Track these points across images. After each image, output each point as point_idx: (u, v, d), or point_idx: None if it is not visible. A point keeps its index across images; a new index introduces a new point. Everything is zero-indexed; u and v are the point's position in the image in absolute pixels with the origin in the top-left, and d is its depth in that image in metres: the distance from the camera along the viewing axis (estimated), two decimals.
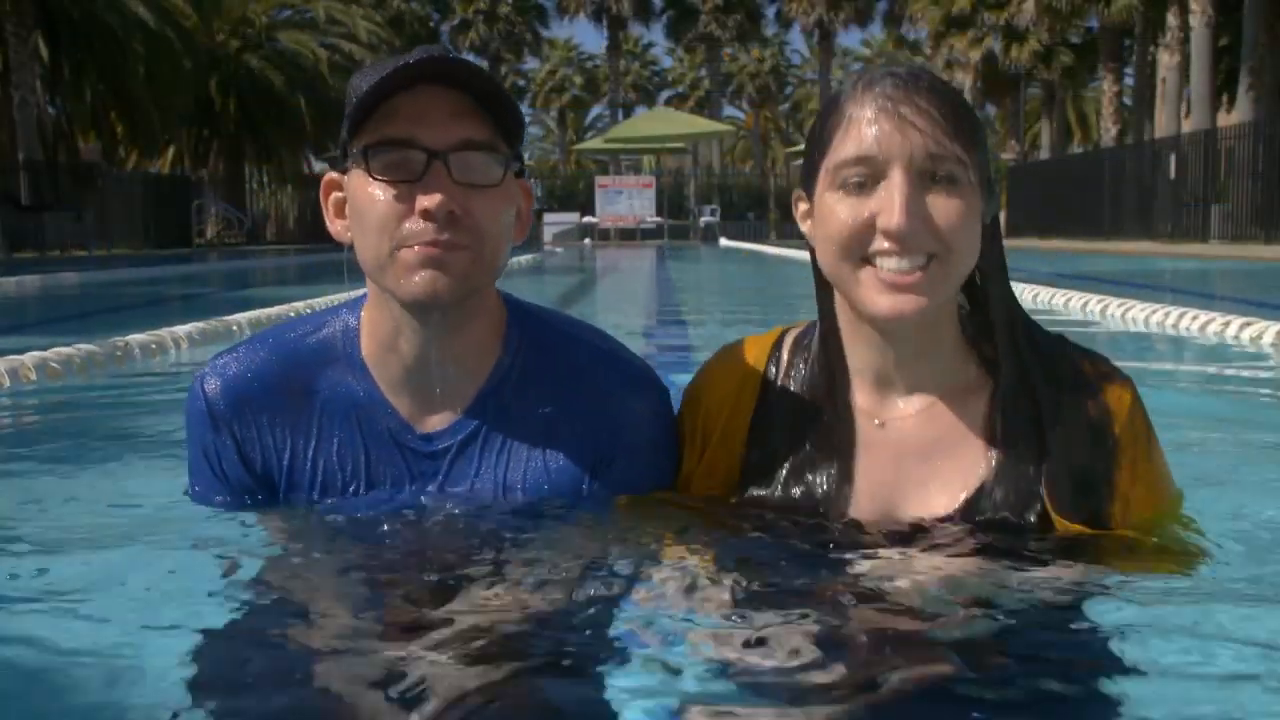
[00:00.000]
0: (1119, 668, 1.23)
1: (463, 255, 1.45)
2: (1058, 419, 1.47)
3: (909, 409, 1.53)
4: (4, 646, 1.38)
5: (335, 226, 1.58)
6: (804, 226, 1.53)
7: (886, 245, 1.39)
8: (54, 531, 1.92)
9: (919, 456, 1.52)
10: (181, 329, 5.07)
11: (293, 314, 6.52)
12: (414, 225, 1.43)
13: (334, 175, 1.57)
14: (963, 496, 1.49)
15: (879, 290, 1.41)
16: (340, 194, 1.56)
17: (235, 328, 5.67)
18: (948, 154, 1.38)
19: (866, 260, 1.41)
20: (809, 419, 1.57)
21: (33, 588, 1.62)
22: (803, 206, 1.53)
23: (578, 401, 1.61)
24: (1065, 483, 1.47)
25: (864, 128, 1.40)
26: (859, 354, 1.54)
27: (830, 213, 1.43)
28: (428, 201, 1.42)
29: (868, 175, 1.40)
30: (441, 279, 1.44)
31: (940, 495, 1.50)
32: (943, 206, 1.39)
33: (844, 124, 1.42)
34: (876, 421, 1.54)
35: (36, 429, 3.33)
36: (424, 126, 1.44)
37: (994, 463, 1.49)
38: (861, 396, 1.55)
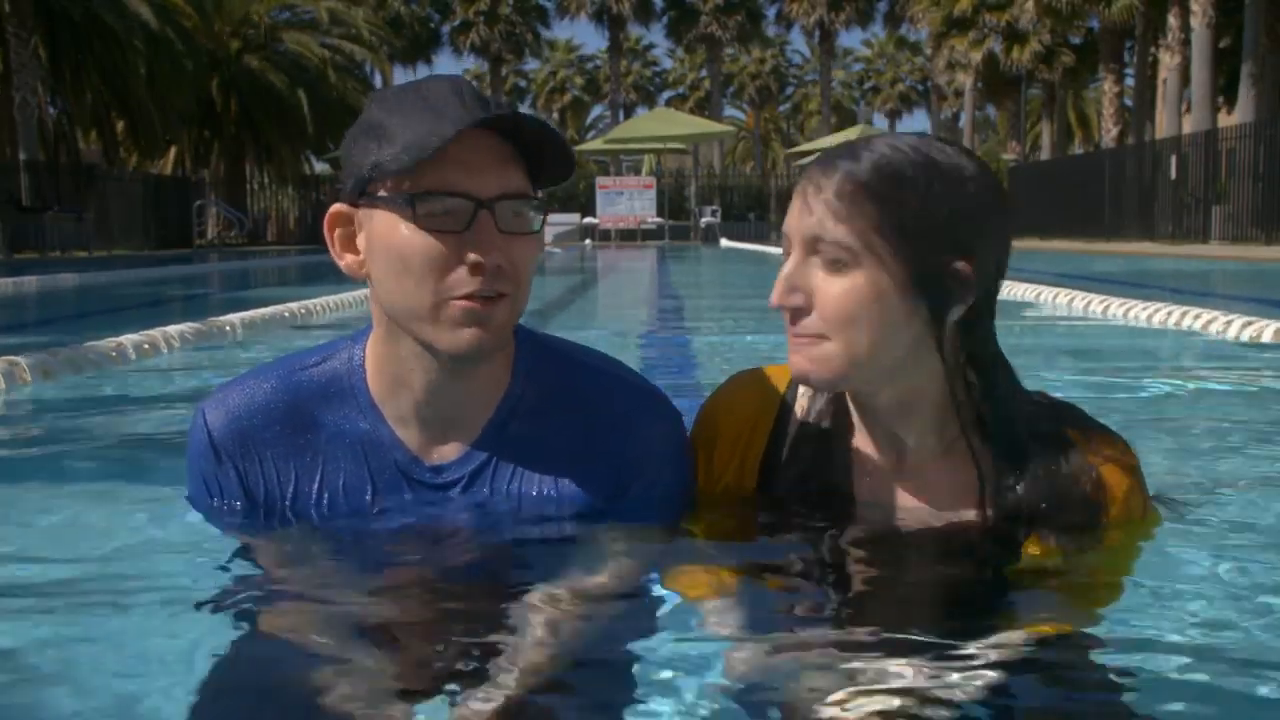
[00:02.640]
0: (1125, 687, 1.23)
1: (503, 305, 1.42)
2: (1050, 504, 1.48)
3: (904, 468, 1.55)
4: None
5: (345, 261, 1.49)
6: None
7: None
8: (49, 536, 1.91)
9: (918, 515, 1.54)
10: (174, 329, 5.05)
11: (287, 314, 6.51)
12: (459, 277, 1.39)
13: (341, 208, 1.47)
14: (958, 554, 1.52)
15: (790, 350, 1.47)
16: (350, 229, 1.47)
17: (229, 329, 5.65)
18: (828, 237, 1.40)
19: None
20: (814, 471, 1.59)
21: (25, 592, 1.60)
22: None
23: (589, 428, 1.57)
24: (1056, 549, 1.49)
25: (790, 204, 1.49)
26: (854, 413, 1.57)
27: None
28: (479, 255, 1.38)
29: (788, 248, 1.47)
30: (485, 335, 1.41)
31: (935, 556, 1.53)
32: (827, 288, 1.41)
33: None
34: (875, 479, 1.56)
35: (32, 429, 3.31)
36: (474, 175, 1.39)
37: (985, 528, 1.51)
38: (863, 452, 1.57)
